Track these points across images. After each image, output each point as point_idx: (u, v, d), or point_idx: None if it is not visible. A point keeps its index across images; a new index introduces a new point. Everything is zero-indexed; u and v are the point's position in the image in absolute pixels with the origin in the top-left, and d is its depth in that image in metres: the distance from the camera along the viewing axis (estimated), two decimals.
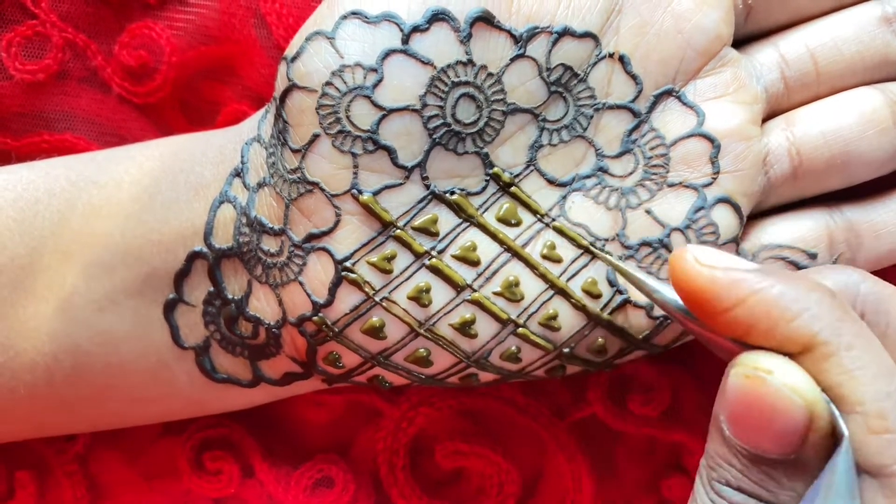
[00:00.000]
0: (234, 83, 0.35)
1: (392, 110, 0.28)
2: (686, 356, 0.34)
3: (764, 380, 0.23)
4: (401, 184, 0.28)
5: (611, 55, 0.29)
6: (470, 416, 0.35)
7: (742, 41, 0.31)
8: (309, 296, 0.29)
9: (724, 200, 0.29)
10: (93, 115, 0.35)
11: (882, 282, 0.25)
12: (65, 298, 0.30)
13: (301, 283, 0.29)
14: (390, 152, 0.28)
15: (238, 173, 0.30)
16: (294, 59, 0.28)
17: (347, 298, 0.29)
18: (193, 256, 0.30)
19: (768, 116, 0.31)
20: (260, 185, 0.29)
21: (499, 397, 0.34)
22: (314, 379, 0.31)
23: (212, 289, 0.30)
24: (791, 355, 0.23)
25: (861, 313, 0.25)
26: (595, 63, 0.29)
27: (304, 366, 0.31)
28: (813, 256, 0.30)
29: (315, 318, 0.29)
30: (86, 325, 0.30)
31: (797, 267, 0.30)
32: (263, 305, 0.30)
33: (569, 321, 0.29)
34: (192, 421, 0.35)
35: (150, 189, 0.31)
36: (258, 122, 0.30)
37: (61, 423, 0.33)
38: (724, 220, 0.29)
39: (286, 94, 0.28)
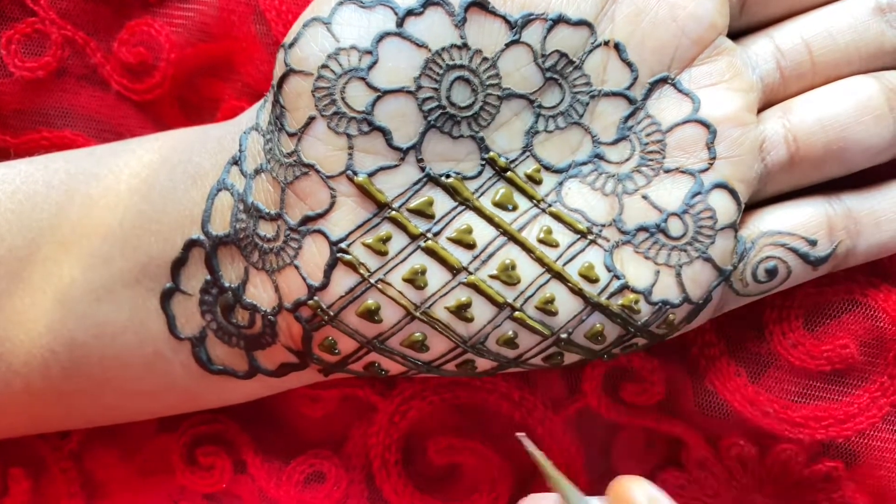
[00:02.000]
0: (233, 80, 0.35)
1: (387, 91, 0.28)
2: (682, 351, 0.33)
3: None
4: (396, 165, 0.28)
5: (606, 43, 0.29)
6: (464, 411, 0.34)
7: (737, 34, 0.31)
8: (304, 279, 0.29)
9: (721, 186, 0.29)
10: (92, 113, 0.35)
11: None
12: (62, 290, 0.30)
13: (296, 267, 0.29)
14: (385, 133, 0.28)
15: (236, 161, 0.30)
16: (291, 45, 0.28)
17: (342, 281, 0.29)
18: (190, 245, 0.30)
19: (764, 107, 0.31)
20: (257, 172, 0.29)
21: (493, 391, 0.34)
22: (310, 370, 0.31)
23: (208, 277, 0.30)
24: None
25: None
26: (590, 51, 0.29)
27: (300, 355, 0.30)
28: (813, 243, 0.30)
29: (310, 302, 0.29)
30: (83, 316, 0.30)
31: (798, 254, 0.30)
32: (260, 292, 0.30)
33: (566, 305, 0.29)
34: (185, 416, 0.35)
35: (148, 180, 0.31)
36: (256, 112, 0.30)
37: (57, 418, 0.33)
38: (722, 205, 0.29)
39: (283, 79, 0.28)
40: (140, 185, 0.31)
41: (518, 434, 0.27)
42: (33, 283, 0.31)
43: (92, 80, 0.35)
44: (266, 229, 0.29)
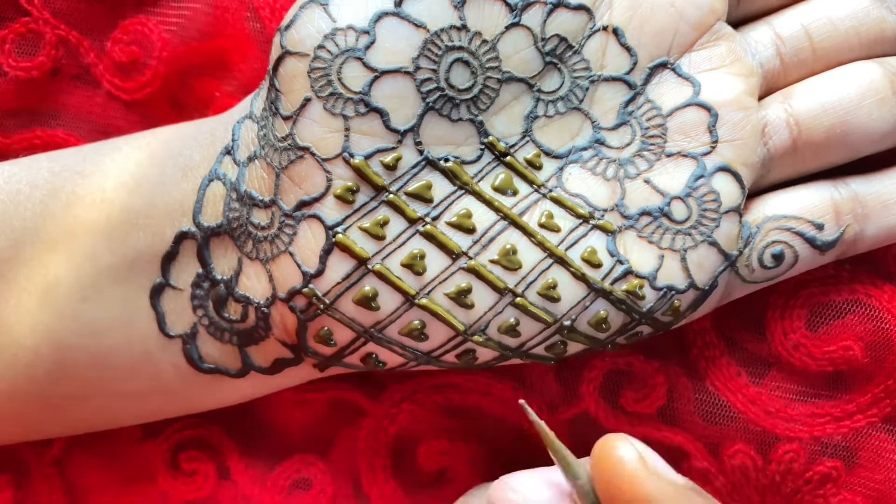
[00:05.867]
0: (226, 78, 0.35)
1: (384, 72, 0.27)
2: (682, 353, 0.33)
3: None
4: (393, 148, 0.28)
5: (605, 28, 0.29)
6: (456, 414, 0.33)
7: (736, 24, 0.31)
8: (299, 266, 0.28)
9: (724, 169, 0.29)
10: (85, 113, 0.35)
11: None
12: (47, 289, 0.30)
13: (291, 254, 0.28)
14: (382, 115, 0.27)
15: (228, 151, 0.29)
16: (287, 27, 0.28)
17: (339, 266, 0.28)
18: (181, 237, 0.29)
19: (765, 94, 0.30)
20: (250, 159, 0.29)
21: (487, 394, 0.33)
22: (305, 365, 0.30)
23: (200, 270, 0.29)
24: None
25: None
26: (589, 35, 0.29)
27: (295, 349, 0.30)
28: (820, 227, 0.30)
29: (305, 290, 0.28)
30: (69, 316, 0.30)
31: (805, 238, 0.29)
32: (254, 283, 0.29)
33: (569, 291, 0.28)
34: (170, 422, 0.34)
35: (136, 175, 0.30)
36: (250, 101, 0.30)
37: (42, 424, 0.32)
38: (725, 188, 0.29)
39: (279, 62, 0.28)
40: (128, 180, 0.30)
41: (520, 401, 0.26)
42: (18, 283, 0.30)
43: (85, 80, 0.35)
44: (260, 217, 0.29)
